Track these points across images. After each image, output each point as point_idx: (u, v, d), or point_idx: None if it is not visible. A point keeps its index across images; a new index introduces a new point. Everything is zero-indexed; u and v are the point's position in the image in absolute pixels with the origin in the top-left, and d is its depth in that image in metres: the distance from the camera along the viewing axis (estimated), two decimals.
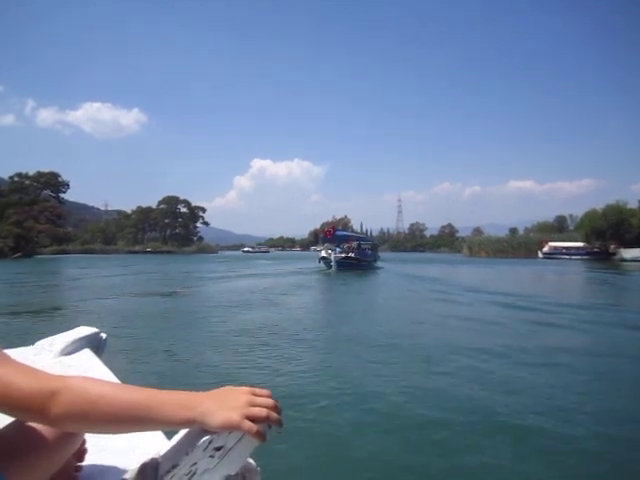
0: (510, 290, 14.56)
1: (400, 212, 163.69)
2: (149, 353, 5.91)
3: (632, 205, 54.27)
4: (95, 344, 1.36)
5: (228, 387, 0.66)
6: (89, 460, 0.84)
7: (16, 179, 72.47)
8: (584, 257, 50.08)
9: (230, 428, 0.61)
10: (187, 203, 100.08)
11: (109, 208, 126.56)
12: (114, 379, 1.12)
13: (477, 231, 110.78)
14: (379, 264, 31.48)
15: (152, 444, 0.84)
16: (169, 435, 0.73)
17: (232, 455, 0.62)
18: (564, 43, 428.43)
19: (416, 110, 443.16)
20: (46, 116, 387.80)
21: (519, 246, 66.21)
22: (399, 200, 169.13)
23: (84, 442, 0.81)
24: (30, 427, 0.71)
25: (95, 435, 0.83)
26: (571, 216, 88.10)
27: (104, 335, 1.41)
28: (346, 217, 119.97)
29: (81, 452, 0.82)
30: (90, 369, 1.18)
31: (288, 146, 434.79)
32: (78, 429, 0.71)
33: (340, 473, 2.87)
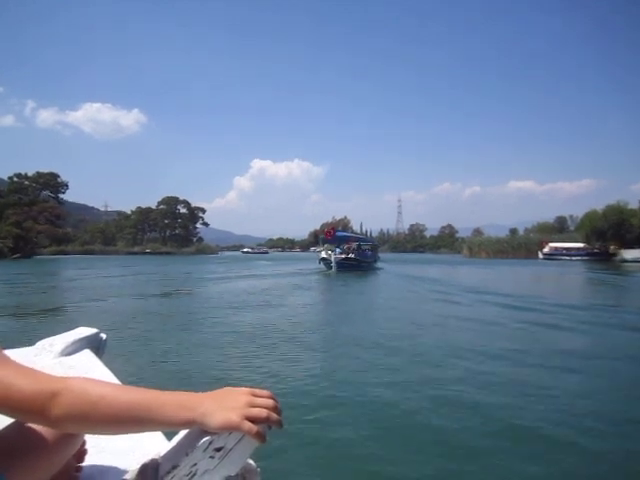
0: (510, 291, 14.55)
1: (400, 212, 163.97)
2: (149, 354, 5.91)
3: (633, 205, 54.27)
4: (95, 345, 1.36)
5: (228, 388, 0.66)
6: (89, 461, 0.84)
7: (15, 179, 72.47)
8: (584, 258, 50.02)
9: (230, 429, 0.61)
10: (187, 204, 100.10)
11: (109, 209, 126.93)
12: (114, 380, 1.12)
13: (477, 232, 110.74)
14: (379, 265, 31.48)
15: (152, 445, 0.84)
16: (169, 436, 0.73)
17: (232, 456, 0.62)
18: (564, 43, 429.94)
19: (416, 110, 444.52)
20: (46, 117, 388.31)
21: (519, 247, 66.16)
22: (399, 200, 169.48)
23: (84, 443, 0.82)
24: (30, 428, 0.71)
25: (95, 436, 0.83)
26: (571, 216, 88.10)
27: (104, 336, 1.41)
28: (346, 218, 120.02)
29: (81, 453, 0.82)
30: (90, 370, 1.18)
31: (288, 146, 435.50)
32: (78, 430, 0.71)
33: (340, 474, 2.87)
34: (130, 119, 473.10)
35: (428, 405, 3.96)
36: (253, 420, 0.61)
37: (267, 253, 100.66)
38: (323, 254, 28.00)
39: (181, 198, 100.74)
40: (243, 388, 0.66)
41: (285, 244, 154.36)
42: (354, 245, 29.36)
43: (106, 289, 15.77)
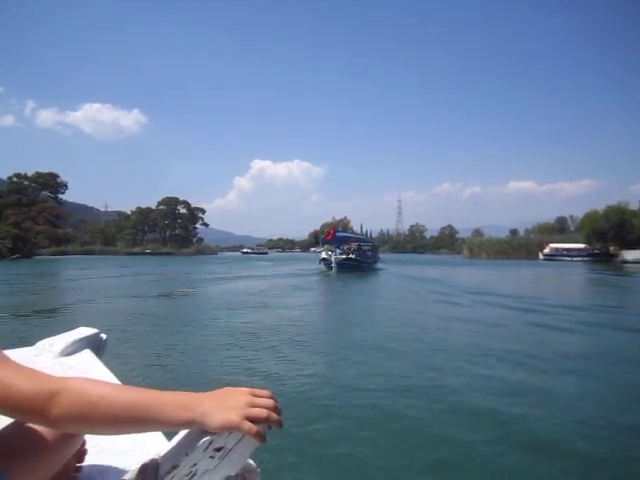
0: (511, 292, 14.55)
1: (400, 213, 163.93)
2: (149, 354, 5.91)
3: (633, 206, 54.16)
4: (95, 345, 1.36)
5: (228, 388, 0.66)
6: (89, 461, 0.84)
7: (15, 180, 72.38)
8: (585, 259, 49.96)
9: (230, 429, 0.61)
10: (186, 204, 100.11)
11: (109, 209, 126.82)
12: (114, 380, 1.12)
13: (477, 232, 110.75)
14: (379, 265, 31.46)
15: (152, 445, 0.84)
16: (169, 436, 0.73)
17: (232, 456, 0.62)
18: (564, 43, 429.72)
19: (416, 110, 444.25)
20: (46, 117, 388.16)
21: (520, 247, 66.06)
22: (399, 201, 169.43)
23: (84, 443, 0.82)
24: (30, 428, 0.71)
25: (95, 436, 0.83)
26: (572, 217, 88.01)
27: (104, 336, 1.41)
28: (346, 218, 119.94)
29: (81, 453, 0.82)
30: (90, 370, 1.18)
31: (288, 147, 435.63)
32: (78, 430, 0.71)
33: (340, 474, 2.87)
34: (130, 119, 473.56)
35: (428, 407, 3.96)
36: (253, 420, 0.61)
37: (266, 254, 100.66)
38: (323, 255, 28.00)
39: (181, 198, 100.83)
40: (243, 388, 0.66)
41: (285, 244, 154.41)
42: (354, 246, 29.35)
43: (106, 289, 15.77)
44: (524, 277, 25.50)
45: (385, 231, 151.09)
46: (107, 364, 1.25)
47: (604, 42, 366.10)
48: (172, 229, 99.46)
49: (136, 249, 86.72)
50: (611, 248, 49.21)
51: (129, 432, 0.65)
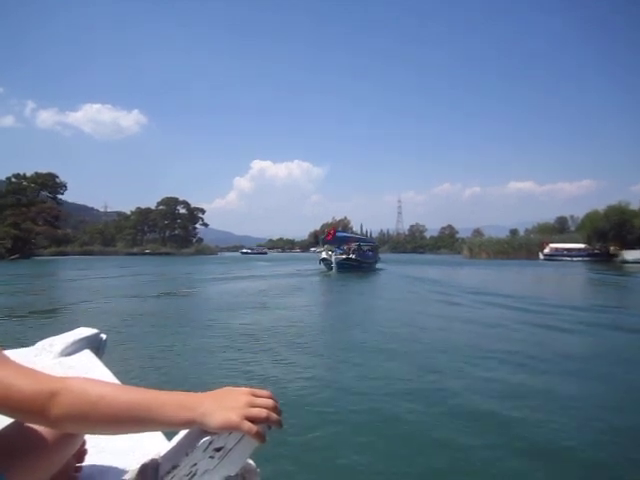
0: (511, 292, 14.55)
1: (400, 213, 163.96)
2: (149, 354, 5.91)
3: (634, 206, 54.04)
4: (95, 345, 1.36)
5: (228, 388, 0.67)
6: (89, 461, 0.84)
7: (14, 180, 72.21)
8: (585, 259, 49.92)
9: (230, 429, 0.61)
10: (186, 204, 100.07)
11: (109, 209, 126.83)
12: (114, 380, 1.12)
13: (477, 232, 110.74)
14: (379, 266, 31.45)
15: (152, 445, 0.84)
16: (169, 436, 0.73)
17: (232, 456, 0.62)
18: (564, 43, 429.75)
19: (416, 110, 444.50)
20: (46, 117, 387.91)
21: (520, 247, 66.01)
22: (399, 201, 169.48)
23: (84, 443, 0.82)
24: (30, 428, 0.71)
25: (95, 436, 0.83)
26: (572, 217, 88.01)
27: (104, 336, 1.41)
28: (346, 218, 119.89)
29: (81, 453, 0.82)
30: (90, 370, 1.18)
31: (288, 147, 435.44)
32: (78, 430, 0.71)
33: (339, 474, 2.87)
34: (130, 120, 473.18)
35: (427, 410, 3.95)
36: (253, 420, 0.61)
37: (266, 254, 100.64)
38: (324, 255, 27.99)
39: (181, 199, 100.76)
40: (243, 388, 0.66)
41: (285, 244, 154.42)
42: (354, 246, 29.33)
43: (105, 290, 15.77)
44: (524, 277, 25.50)
45: (385, 231, 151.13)
46: (107, 364, 1.25)
47: (604, 42, 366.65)
48: (172, 229, 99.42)
49: (135, 249, 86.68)
50: (611, 248, 49.17)
51: (129, 432, 0.65)
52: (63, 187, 76.84)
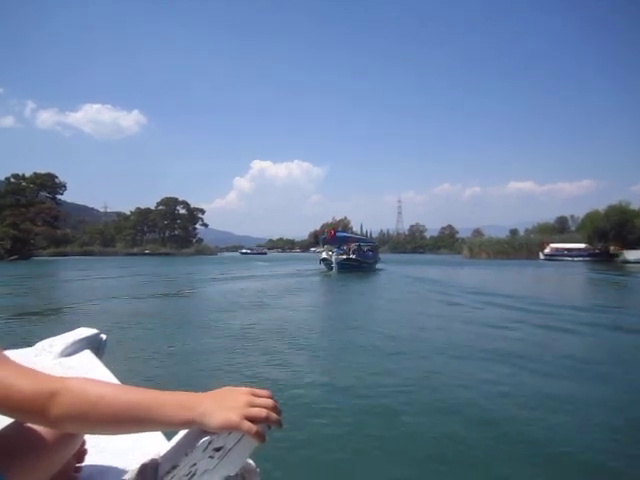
0: (512, 292, 14.54)
1: (400, 213, 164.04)
2: (149, 354, 5.90)
3: (635, 206, 53.89)
4: (95, 345, 1.37)
5: (228, 387, 0.67)
6: (89, 461, 0.84)
7: (12, 180, 72.02)
8: (586, 259, 49.84)
9: (229, 429, 0.61)
10: (186, 204, 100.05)
11: (108, 210, 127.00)
12: (114, 380, 1.12)
13: (477, 232, 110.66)
14: (379, 266, 31.44)
15: (152, 445, 0.84)
16: (169, 436, 0.73)
17: (232, 456, 0.62)
18: (564, 43, 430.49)
19: (416, 110, 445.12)
20: (46, 117, 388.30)
21: (520, 247, 65.92)
22: (399, 201, 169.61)
23: (84, 443, 0.82)
24: (30, 428, 0.71)
25: (95, 436, 0.83)
26: (572, 217, 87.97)
27: (104, 336, 1.41)
28: (346, 218, 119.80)
29: (81, 453, 0.82)
30: (90, 370, 1.18)
31: (288, 147, 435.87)
32: (78, 430, 0.71)
33: (339, 474, 2.87)
34: (130, 120, 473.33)
35: (427, 409, 3.95)
36: (253, 420, 0.61)
37: (265, 254, 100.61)
38: (324, 255, 27.97)
39: (180, 199, 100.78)
40: (243, 388, 0.66)
41: (285, 245, 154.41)
42: (354, 246, 29.32)
43: (105, 290, 15.76)
44: (524, 277, 25.47)
45: (385, 231, 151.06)
46: (107, 364, 1.25)
47: (604, 42, 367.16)
48: (171, 229, 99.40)
49: (135, 250, 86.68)
50: (611, 248, 49.11)
51: (129, 432, 0.65)
52: (62, 187, 76.76)
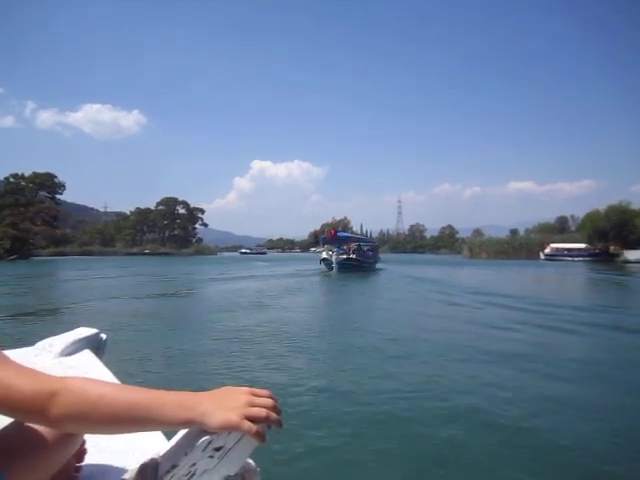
0: (512, 292, 14.54)
1: (400, 213, 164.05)
2: (149, 354, 5.90)
3: (635, 205, 53.78)
4: (95, 345, 1.37)
5: (228, 387, 0.67)
6: (89, 461, 0.84)
7: (12, 180, 71.84)
8: (586, 259, 49.81)
9: (229, 428, 0.61)
10: (186, 204, 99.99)
11: (108, 210, 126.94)
12: (114, 380, 1.12)
13: (477, 232, 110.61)
14: (379, 266, 31.44)
15: (152, 444, 0.84)
16: (168, 435, 0.73)
17: (231, 455, 0.62)
18: (564, 43, 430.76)
19: (416, 110, 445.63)
20: (46, 118, 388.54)
21: (520, 247, 65.86)
22: (399, 201, 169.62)
23: (84, 443, 0.82)
24: (30, 428, 0.71)
25: (95, 436, 0.83)
26: (572, 217, 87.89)
27: (104, 336, 1.41)
28: (346, 218, 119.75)
29: (81, 453, 0.82)
30: (90, 370, 1.18)
31: (288, 147, 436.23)
32: (78, 430, 0.71)
33: (339, 474, 2.87)
34: (130, 120, 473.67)
35: (426, 410, 3.95)
36: (252, 419, 0.61)
37: (265, 254, 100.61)
38: (324, 254, 27.97)
39: (180, 199, 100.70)
40: (243, 387, 0.66)
41: (285, 244, 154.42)
42: (354, 246, 29.33)
43: (104, 290, 15.76)
44: (525, 277, 25.46)
45: (385, 231, 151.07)
46: (107, 364, 1.25)
47: (604, 42, 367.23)
48: (171, 229, 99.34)
49: (135, 250, 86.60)
50: (611, 248, 49.09)
51: (129, 432, 0.65)
52: (61, 187, 76.57)
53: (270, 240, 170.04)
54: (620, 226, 50.79)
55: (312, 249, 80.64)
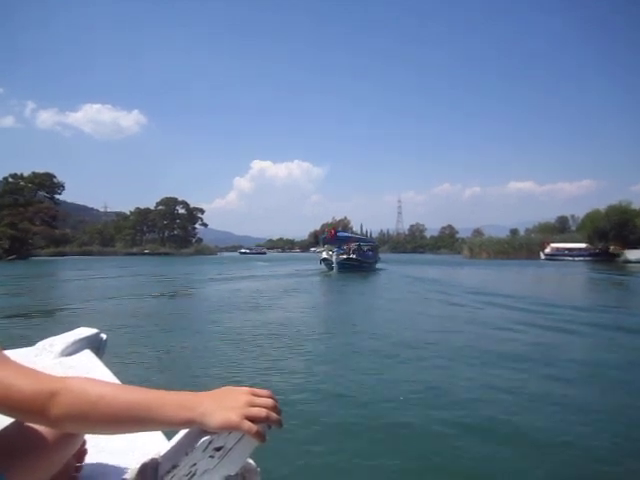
0: (512, 292, 14.53)
1: (400, 213, 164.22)
2: (149, 354, 5.90)
3: (636, 205, 53.75)
4: (95, 345, 1.36)
5: (228, 387, 0.67)
6: (89, 461, 0.84)
7: (11, 180, 71.63)
8: (587, 258, 49.83)
9: (229, 428, 0.61)
10: (185, 204, 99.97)
11: (108, 210, 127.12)
12: (114, 380, 1.12)
13: (477, 232, 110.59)
14: (379, 266, 31.44)
15: (152, 444, 0.84)
16: (169, 435, 0.73)
17: (232, 455, 0.62)
18: (564, 43, 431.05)
19: (416, 110, 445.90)
20: (46, 118, 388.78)
21: (520, 247, 65.81)
22: (399, 201, 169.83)
23: (84, 443, 0.82)
24: (30, 428, 0.71)
25: (95, 436, 0.83)
26: (573, 216, 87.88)
27: (104, 336, 1.41)
28: (346, 218, 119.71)
29: (81, 453, 0.82)
30: (90, 370, 1.18)
31: (288, 147, 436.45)
32: (78, 430, 0.71)
33: (339, 474, 2.87)
34: (130, 120, 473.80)
35: (426, 410, 3.95)
36: (253, 419, 0.61)
37: (265, 254, 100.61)
38: (324, 254, 27.98)
39: (180, 199, 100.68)
40: (243, 387, 0.66)
41: (285, 244, 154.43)
42: (354, 246, 29.33)
43: (105, 290, 15.75)
44: (525, 277, 25.45)
45: (385, 231, 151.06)
46: (107, 364, 1.25)
47: (604, 42, 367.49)
48: (171, 229, 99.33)
49: (135, 250, 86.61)
50: (611, 248, 49.07)
51: (129, 432, 0.65)
52: (60, 187, 76.32)
53: (270, 240, 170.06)
54: (620, 226, 50.79)
55: (312, 249, 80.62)
